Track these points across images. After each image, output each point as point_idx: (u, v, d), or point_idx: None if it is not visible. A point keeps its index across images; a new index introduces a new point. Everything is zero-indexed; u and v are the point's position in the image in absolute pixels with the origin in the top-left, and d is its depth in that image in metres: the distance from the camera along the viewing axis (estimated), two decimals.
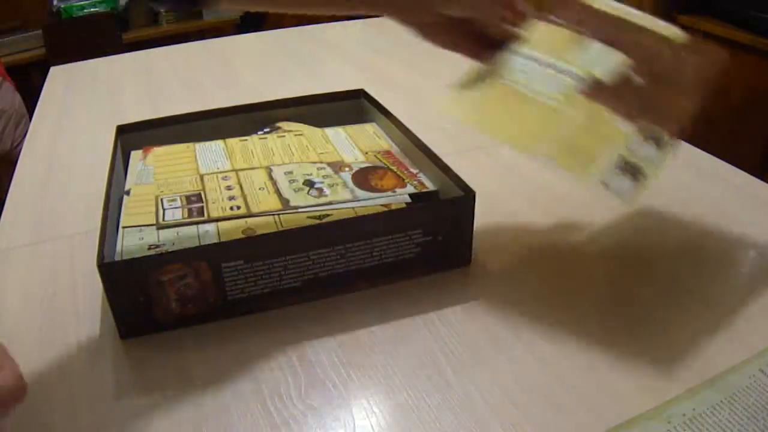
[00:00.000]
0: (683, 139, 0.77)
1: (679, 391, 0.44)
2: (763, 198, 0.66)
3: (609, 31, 0.57)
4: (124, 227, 0.57)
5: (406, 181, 0.64)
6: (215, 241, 0.55)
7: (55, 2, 3.15)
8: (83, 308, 0.56)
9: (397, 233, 0.55)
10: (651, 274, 0.57)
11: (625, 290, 0.55)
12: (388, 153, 0.71)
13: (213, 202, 0.61)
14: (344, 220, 0.55)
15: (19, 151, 0.92)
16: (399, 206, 0.60)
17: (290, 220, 0.58)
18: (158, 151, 0.71)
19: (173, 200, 0.61)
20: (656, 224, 0.65)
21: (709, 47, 0.55)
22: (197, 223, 0.58)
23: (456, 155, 0.71)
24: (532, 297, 0.55)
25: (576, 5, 0.60)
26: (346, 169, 0.67)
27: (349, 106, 0.84)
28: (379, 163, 0.68)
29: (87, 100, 1.10)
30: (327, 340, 0.51)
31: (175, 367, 0.49)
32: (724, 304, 0.52)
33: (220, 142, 0.73)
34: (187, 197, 0.62)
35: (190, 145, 0.73)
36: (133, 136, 0.74)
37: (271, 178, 0.65)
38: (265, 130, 0.78)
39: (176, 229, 0.57)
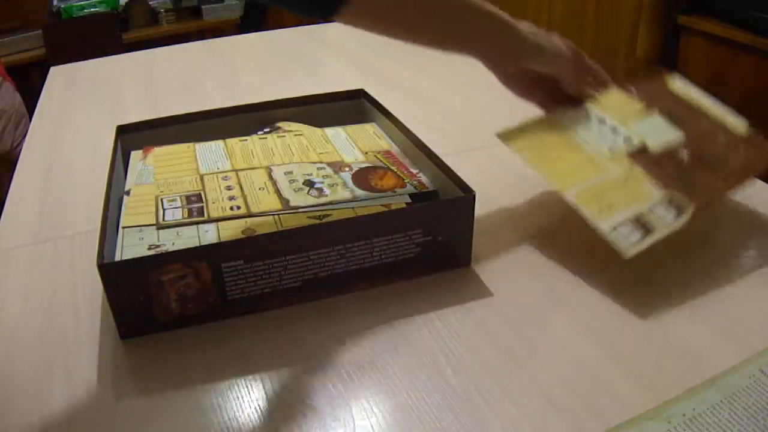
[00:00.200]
0: None
1: (679, 391, 0.44)
2: (763, 198, 0.66)
3: (676, 110, 0.63)
4: (124, 227, 0.57)
5: (406, 181, 0.64)
6: (215, 241, 0.55)
7: (55, 2, 3.15)
8: (83, 308, 0.56)
9: (396, 233, 0.55)
10: (651, 275, 0.57)
11: (626, 290, 0.55)
12: (388, 153, 0.71)
13: (213, 202, 0.61)
14: (344, 220, 0.55)
15: (19, 151, 0.92)
16: (399, 206, 0.60)
17: (290, 220, 0.58)
18: (158, 151, 0.71)
19: (173, 200, 0.61)
20: None
21: (762, 142, 0.59)
22: (197, 223, 0.58)
23: (456, 155, 0.71)
24: (532, 297, 0.55)
25: (656, 83, 0.67)
26: (346, 169, 0.67)
27: (349, 106, 0.84)
28: (379, 163, 0.68)
29: (87, 100, 1.10)
30: (327, 340, 0.51)
31: (175, 367, 0.49)
32: (724, 304, 0.52)
33: (220, 142, 0.73)
34: (187, 197, 0.62)
35: (190, 145, 0.73)
36: (133, 136, 0.74)
37: (271, 178, 0.65)
38: (265, 130, 0.78)
39: (176, 229, 0.57)
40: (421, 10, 0.55)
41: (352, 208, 0.59)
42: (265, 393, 0.46)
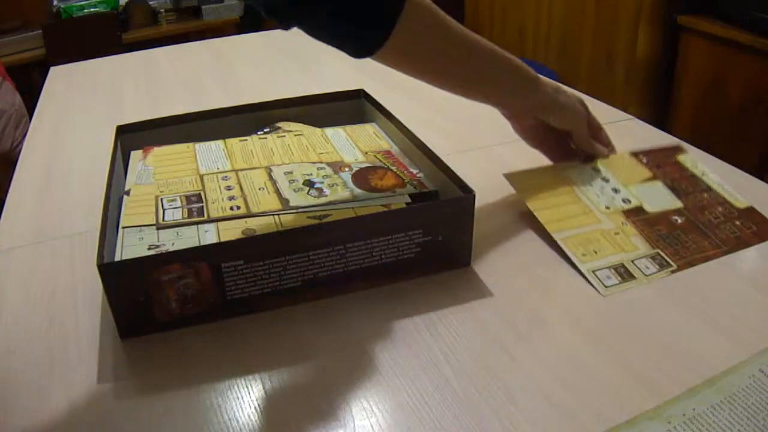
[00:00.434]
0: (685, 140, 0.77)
1: (679, 391, 0.44)
2: (763, 198, 0.66)
3: (679, 182, 0.67)
4: (124, 227, 0.57)
5: (406, 181, 0.64)
6: (215, 241, 0.55)
7: (55, 2, 3.15)
8: (83, 308, 0.56)
9: (396, 233, 0.55)
10: None
11: (626, 290, 0.55)
12: (388, 153, 0.71)
13: (213, 202, 0.61)
14: (344, 220, 0.55)
15: (19, 151, 0.92)
16: (399, 206, 0.60)
17: (290, 220, 0.58)
18: (158, 151, 0.71)
19: (173, 200, 0.61)
20: None
21: (762, 220, 0.62)
22: (197, 223, 0.58)
23: (456, 155, 0.71)
24: (532, 297, 0.55)
25: (667, 154, 0.71)
26: (346, 169, 0.67)
27: (349, 106, 0.84)
28: (379, 163, 0.68)
29: (87, 100, 1.10)
30: (327, 340, 0.51)
31: (175, 367, 0.49)
32: (724, 303, 0.52)
33: (220, 142, 0.73)
34: (187, 197, 0.62)
35: (190, 145, 0.73)
36: (133, 136, 0.74)
37: (271, 178, 0.65)
38: (265, 130, 0.78)
39: (176, 229, 0.57)
40: (455, 58, 0.58)
41: (352, 208, 0.59)
42: (265, 393, 0.46)
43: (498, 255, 0.60)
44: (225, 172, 0.67)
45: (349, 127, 0.77)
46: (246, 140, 0.74)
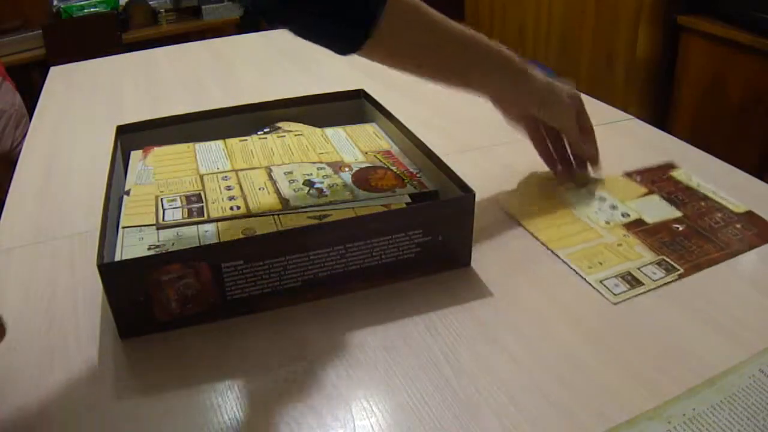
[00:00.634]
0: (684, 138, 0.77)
1: (679, 391, 0.44)
2: (763, 198, 0.66)
3: (676, 194, 0.68)
4: (124, 227, 0.57)
5: (406, 181, 0.64)
6: (215, 241, 0.55)
7: (55, 2, 3.15)
8: (83, 308, 0.56)
9: (396, 233, 0.55)
10: None
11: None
12: (388, 153, 0.71)
13: (213, 202, 0.61)
14: (344, 220, 0.55)
15: (19, 151, 0.92)
16: (399, 206, 0.60)
17: (290, 220, 0.58)
18: (158, 151, 0.71)
19: (173, 200, 0.61)
20: None
21: (761, 223, 0.63)
22: (197, 223, 0.58)
23: (456, 155, 0.71)
24: (532, 297, 0.55)
25: (661, 172, 0.72)
26: (346, 169, 0.67)
27: (349, 106, 0.84)
28: (379, 163, 0.68)
29: (87, 100, 1.10)
30: (327, 340, 0.51)
31: (175, 367, 0.49)
32: (724, 305, 0.52)
33: (220, 142, 0.73)
34: (187, 197, 0.62)
35: (190, 145, 0.73)
36: (133, 136, 0.74)
37: (271, 178, 0.65)
38: (265, 130, 0.78)
39: (176, 229, 0.57)
40: (440, 51, 0.59)
41: (352, 208, 0.59)
42: (265, 393, 0.46)
43: (498, 255, 0.60)
44: (225, 172, 0.67)
45: (349, 127, 0.77)
46: (246, 140, 0.74)
